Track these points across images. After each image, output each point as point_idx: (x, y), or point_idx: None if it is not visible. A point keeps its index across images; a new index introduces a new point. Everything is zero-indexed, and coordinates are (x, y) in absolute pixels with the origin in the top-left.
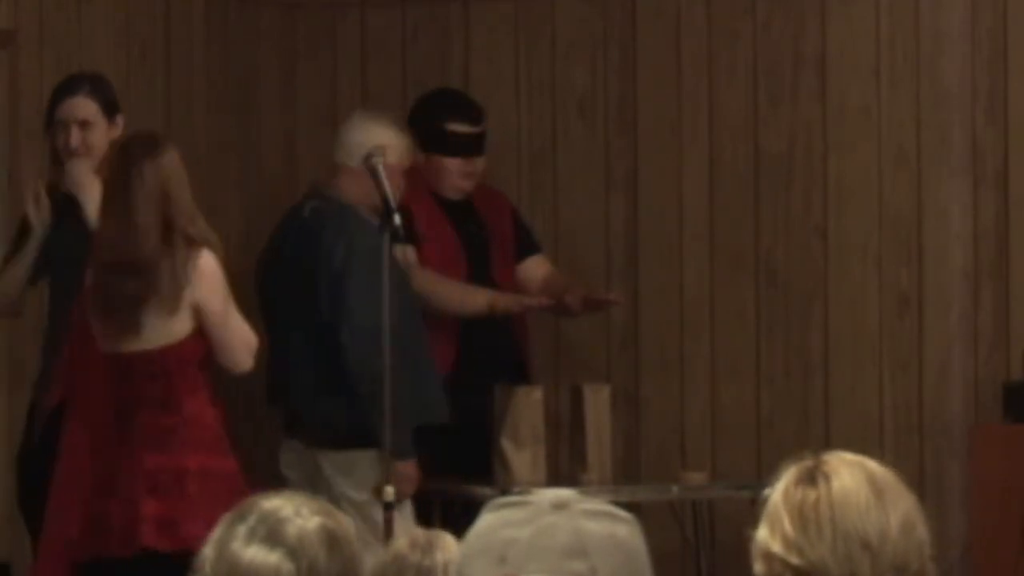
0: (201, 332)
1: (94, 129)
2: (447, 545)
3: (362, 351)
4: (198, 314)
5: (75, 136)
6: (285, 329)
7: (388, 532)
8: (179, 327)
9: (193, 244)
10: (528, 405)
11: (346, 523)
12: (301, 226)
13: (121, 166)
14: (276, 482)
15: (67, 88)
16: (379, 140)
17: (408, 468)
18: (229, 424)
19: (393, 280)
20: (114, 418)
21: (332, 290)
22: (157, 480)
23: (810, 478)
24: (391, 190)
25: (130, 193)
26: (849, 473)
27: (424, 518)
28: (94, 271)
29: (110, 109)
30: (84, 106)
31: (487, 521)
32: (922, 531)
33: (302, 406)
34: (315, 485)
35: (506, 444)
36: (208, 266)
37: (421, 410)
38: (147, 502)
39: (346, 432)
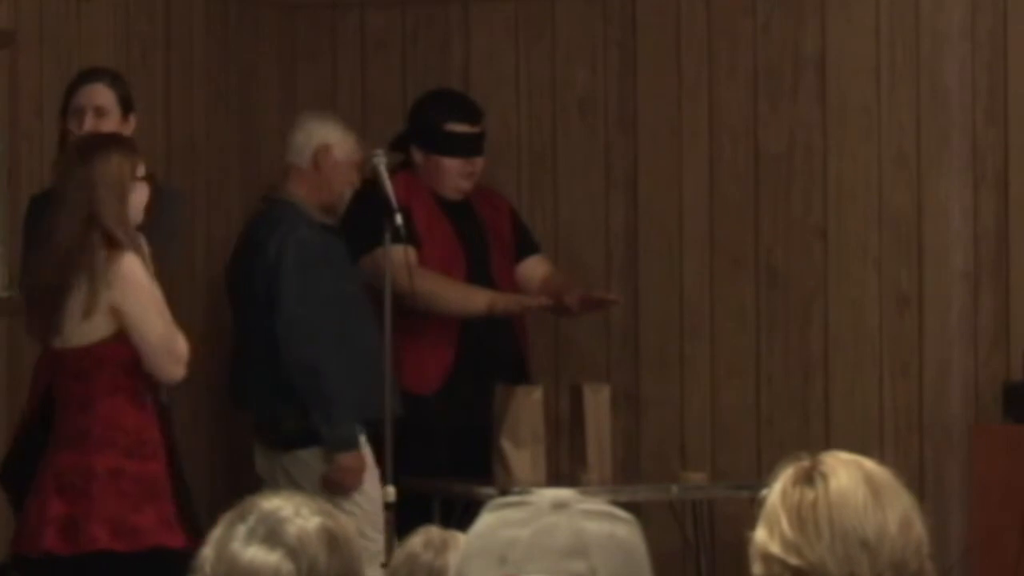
0: (124, 335)
1: (108, 118)
2: (461, 546)
3: (294, 343)
4: (118, 317)
5: (89, 122)
6: (242, 331)
7: (389, 533)
8: (97, 329)
9: (115, 248)
10: (528, 405)
11: (346, 523)
12: (249, 230)
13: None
14: (255, 484)
15: (88, 76)
16: (324, 138)
17: (351, 460)
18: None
19: (334, 273)
20: (50, 416)
21: (268, 286)
22: (65, 480)
23: (807, 478)
24: (391, 190)
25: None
26: (846, 472)
27: (424, 518)
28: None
29: (126, 104)
30: (103, 94)
31: (487, 521)
32: (920, 529)
33: (256, 407)
34: (280, 486)
35: (506, 444)
36: (128, 270)
37: (368, 404)
38: (54, 502)
39: (293, 431)
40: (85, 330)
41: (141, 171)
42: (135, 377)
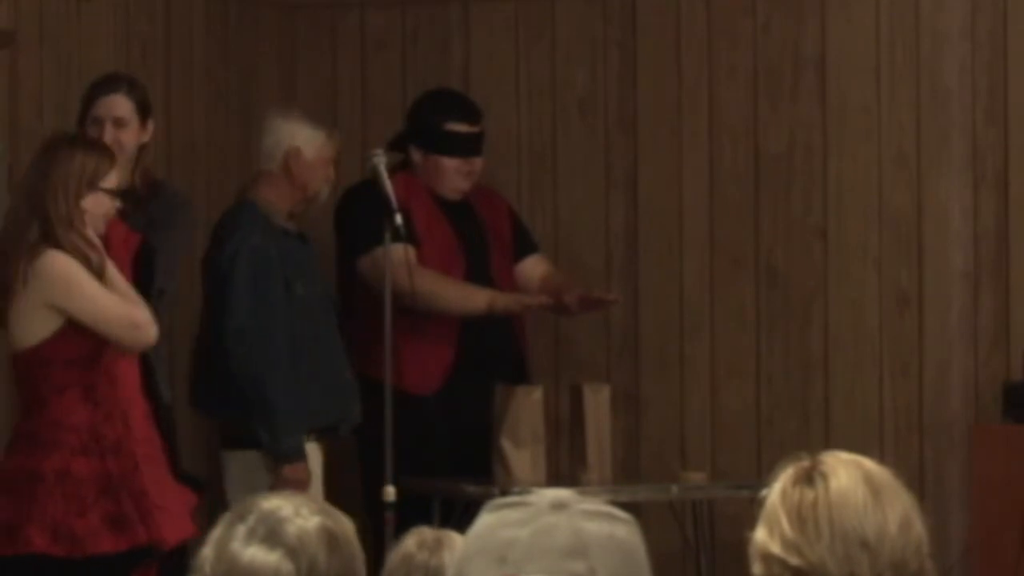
0: (70, 332)
1: (127, 128)
2: (455, 544)
3: (240, 354)
4: (63, 316)
5: (109, 133)
6: (199, 328)
7: (388, 533)
8: (37, 329)
9: (40, 247)
10: (528, 405)
11: (346, 523)
12: (214, 230)
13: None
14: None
15: (106, 85)
16: (294, 139)
17: (296, 472)
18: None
19: (286, 280)
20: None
21: (219, 290)
22: (10, 483)
23: (807, 478)
24: (391, 190)
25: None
26: (846, 472)
27: (424, 518)
28: None
29: (144, 112)
30: (121, 104)
31: (486, 521)
32: (920, 529)
33: (202, 405)
34: (231, 484)
35: (506, 444)
36: (47, 267)
37: (320, 412)
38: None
39: (234, 432)
40: (25, 332)
41: (108, 182)
42: (89, 373)
